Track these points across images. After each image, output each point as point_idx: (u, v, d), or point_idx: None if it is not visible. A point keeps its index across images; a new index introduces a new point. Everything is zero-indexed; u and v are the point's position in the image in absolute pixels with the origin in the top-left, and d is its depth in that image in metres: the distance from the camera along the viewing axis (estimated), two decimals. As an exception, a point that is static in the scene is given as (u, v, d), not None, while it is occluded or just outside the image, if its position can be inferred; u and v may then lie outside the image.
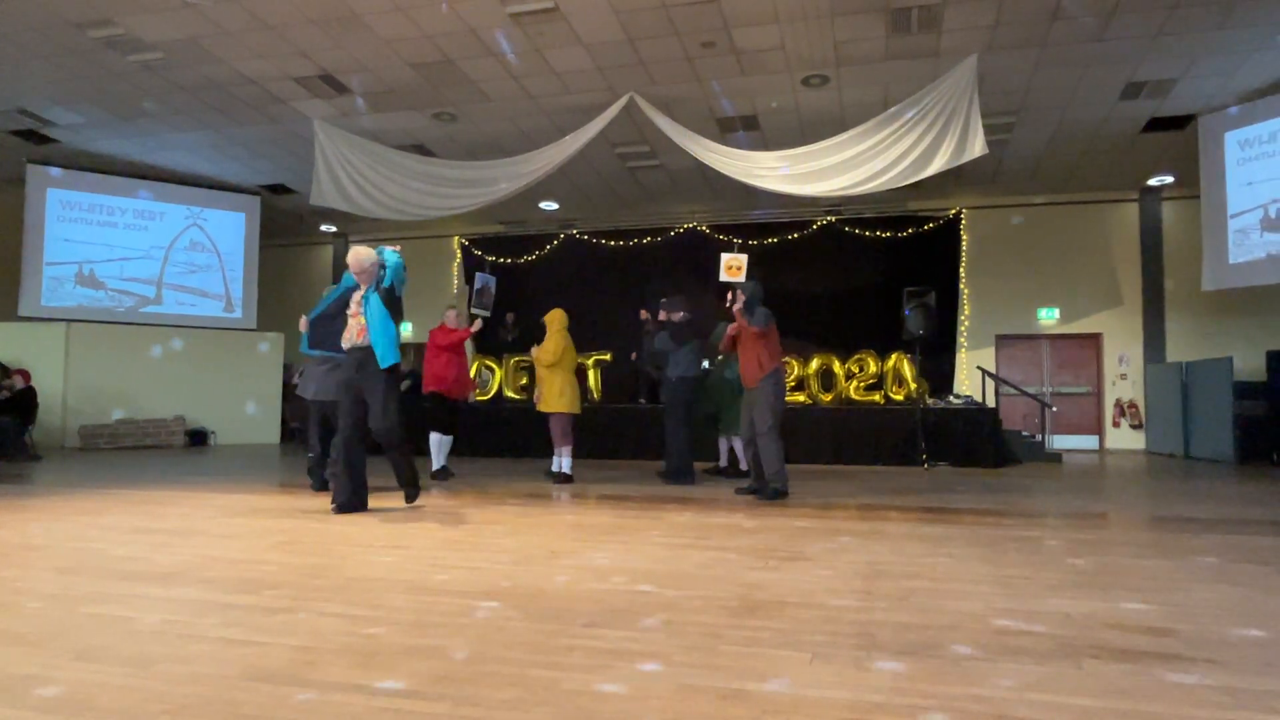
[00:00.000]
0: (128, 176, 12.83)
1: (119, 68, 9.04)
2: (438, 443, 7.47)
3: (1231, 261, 10.03)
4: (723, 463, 8.16)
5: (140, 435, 12.39)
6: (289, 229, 15.36)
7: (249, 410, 13.64)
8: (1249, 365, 10.89)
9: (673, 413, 7.34)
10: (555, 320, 7.40)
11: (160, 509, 5.32)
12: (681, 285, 13.47)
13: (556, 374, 7.27)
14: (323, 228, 15.48)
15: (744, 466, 7.59)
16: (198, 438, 12.96)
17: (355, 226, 15.11)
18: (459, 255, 15.38)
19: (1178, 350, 12.43)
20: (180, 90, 9.62)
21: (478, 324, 7.81)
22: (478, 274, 7.99)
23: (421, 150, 11.17)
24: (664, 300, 7.62)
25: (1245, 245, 9.88)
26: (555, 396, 7.25)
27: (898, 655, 2.23)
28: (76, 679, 2.02)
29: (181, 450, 12.05)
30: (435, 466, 7.40)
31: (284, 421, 13.98)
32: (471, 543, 4.06)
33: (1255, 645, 2.35)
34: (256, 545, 3.92)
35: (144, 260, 13.15)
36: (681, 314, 7.43)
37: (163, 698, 1.89)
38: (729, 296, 6.37)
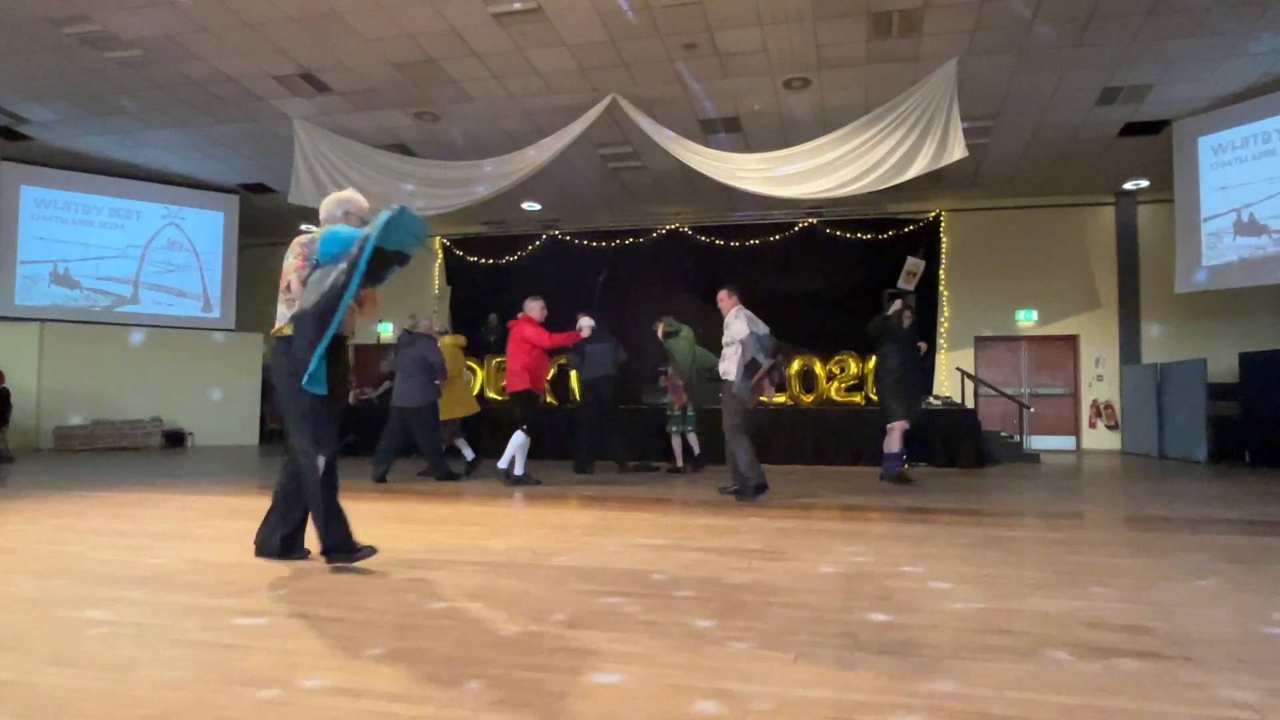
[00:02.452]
0: (104, 174, 12.65)
1: (95, 64, 8.91)
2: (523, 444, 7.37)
3: (1205, 264, 10.19)
4: (678, 462, 8.25)
5: (116, 437, 12.22)
6: (268, 228, 15.20)
7: (227, 411, 13.49)
8: (1222, 367, 11.06)
9: (585, 410, 8.36)
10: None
11: (138, 511, 5.26)
12: (663, 285, 13.60)
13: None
14: (302, 227, 15.28)
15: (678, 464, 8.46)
16: (175, 439, 12.81)
17: (336, 226, 14.97)
18: (440, 255, 15.31)
19: (1153, 352, 12.61)
20: (158, 88, 9.50)
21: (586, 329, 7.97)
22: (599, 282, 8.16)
23: (403, 150, 11.11)
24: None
25: (1218, 249, 10.04)
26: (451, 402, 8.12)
27: (880, 654, 2.25)
28: (54, 684, 2.00)
29: (159, 452, 11.91)
30: (520, 470, 7.36)
31: (263, 422, 13.85)
32: (454, 545, 4.05)
33: (1230, 642, 2.39)
34: (237, 548, 3.88)
35: (120, 259, 12.99)
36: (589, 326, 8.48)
37: (143, 703, 1.88)
38: (895, 305, 7.42)
